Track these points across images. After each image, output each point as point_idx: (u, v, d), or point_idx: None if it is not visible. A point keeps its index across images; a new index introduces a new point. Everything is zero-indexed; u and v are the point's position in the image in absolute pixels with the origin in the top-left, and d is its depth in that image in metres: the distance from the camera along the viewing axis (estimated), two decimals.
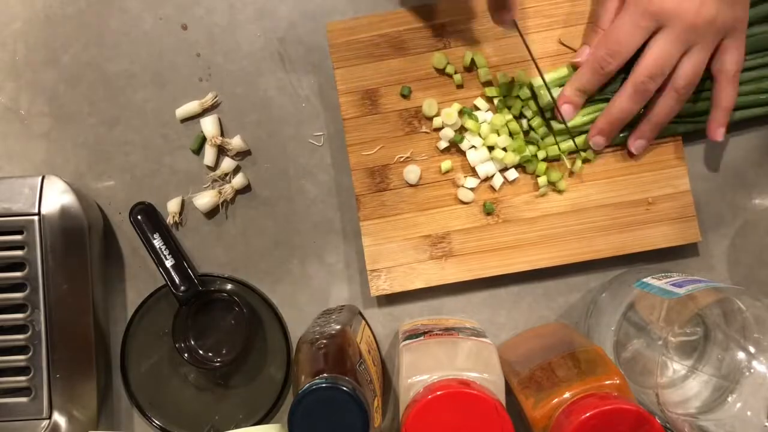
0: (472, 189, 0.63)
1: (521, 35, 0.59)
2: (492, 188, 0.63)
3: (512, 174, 0.63)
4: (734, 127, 0.64)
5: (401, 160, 0.63)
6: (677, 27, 0.55)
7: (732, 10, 0.55)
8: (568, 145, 0.62)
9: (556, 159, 0.63)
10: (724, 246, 0.65)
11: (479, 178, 0.63)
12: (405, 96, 0.63)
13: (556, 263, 0.62)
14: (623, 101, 0.58)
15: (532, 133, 0.63)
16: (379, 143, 0.63)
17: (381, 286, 0.63)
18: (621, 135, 0.62)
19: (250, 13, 0.65)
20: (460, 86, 0.63)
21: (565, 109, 0.60)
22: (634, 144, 0.61)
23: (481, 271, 0.63)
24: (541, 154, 0.62)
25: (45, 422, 0.59)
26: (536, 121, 0.62)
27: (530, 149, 0.62)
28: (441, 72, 0.63)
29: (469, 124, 0.62)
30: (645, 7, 0.55)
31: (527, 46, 0.60)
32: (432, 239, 0.63)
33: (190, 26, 0.65)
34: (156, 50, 0.65)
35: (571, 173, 0.62)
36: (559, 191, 0.63)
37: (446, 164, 0.63)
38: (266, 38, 0.65)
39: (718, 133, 0.60)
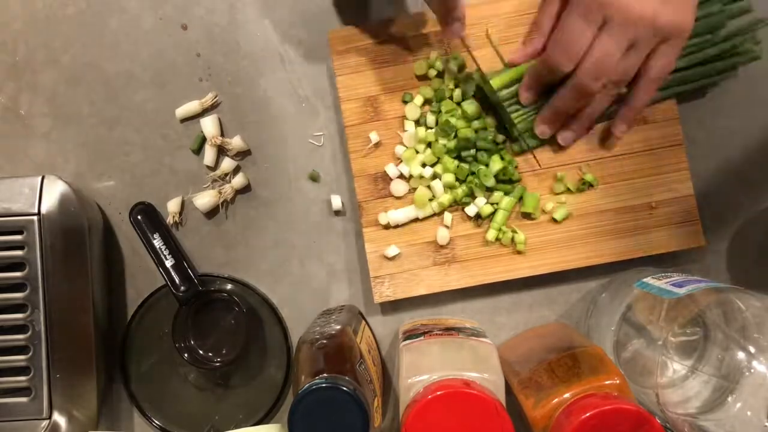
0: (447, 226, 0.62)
1: (468, 49, 0.62)
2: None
3: (472, 210, 0.62)
4: (734, 127, 0.64)
5: None
6: (618, 19, 0.54)
7: (674, 15, 0.55)
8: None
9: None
10: (724, 246, 0.65)
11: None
12: (407, 102, 0.63)
13: (559, 268, 0.62)
14: (566, 98, 0.59)
15: (472, 175, 0.62)
16: (381, 150, 0.63)
17: (384, 292, 0.63)
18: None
19: (250, 13, 0.65)
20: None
21: (525, 95, 0.61)
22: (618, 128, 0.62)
23: (484, 277, 0.62)
24: (479, 193, 0.61)
25: (45, 422, 0.59)
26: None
27: (463, 189, 0.61)
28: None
29: (407, 154, 0.62)
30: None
31: (475, 60, 0.62)
32: (435, 245, 0.63)
33: (190, 26, 0.65)
34: (156, 50, 0.65)
35: (554, 220, 0.62)
36: (520, 252, 0.62)
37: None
38: (266, 38, 0.65)
39: (621, 129, 0.61)
